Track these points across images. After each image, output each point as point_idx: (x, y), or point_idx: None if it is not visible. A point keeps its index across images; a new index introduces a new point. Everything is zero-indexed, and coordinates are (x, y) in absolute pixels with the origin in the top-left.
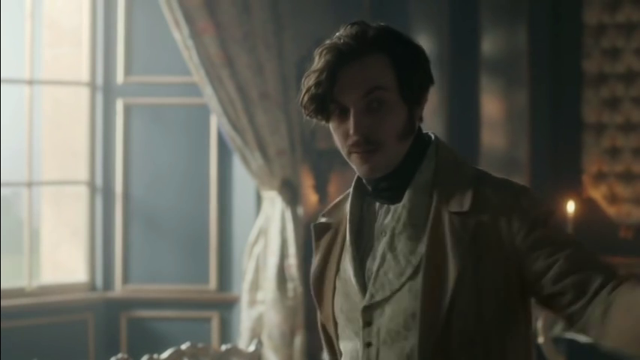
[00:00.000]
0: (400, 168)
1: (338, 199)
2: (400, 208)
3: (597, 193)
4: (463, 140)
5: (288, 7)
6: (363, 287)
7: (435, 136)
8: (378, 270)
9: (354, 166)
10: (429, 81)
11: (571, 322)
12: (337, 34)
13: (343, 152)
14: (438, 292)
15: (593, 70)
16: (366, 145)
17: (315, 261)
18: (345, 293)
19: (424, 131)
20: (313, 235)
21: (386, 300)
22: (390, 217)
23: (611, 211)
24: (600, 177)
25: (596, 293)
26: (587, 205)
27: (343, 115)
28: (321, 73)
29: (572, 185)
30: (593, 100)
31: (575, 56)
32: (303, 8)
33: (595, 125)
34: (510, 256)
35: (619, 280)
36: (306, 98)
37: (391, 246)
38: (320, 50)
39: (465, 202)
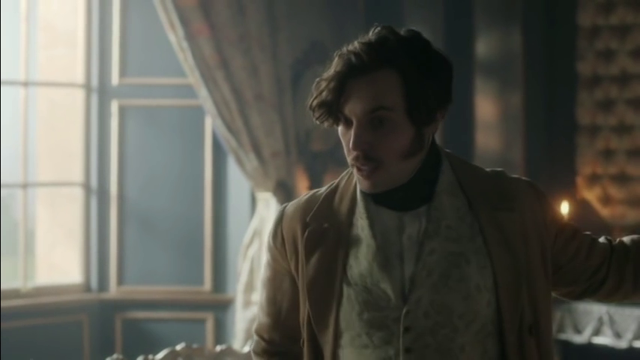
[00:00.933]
0: (417, 178)
1: (316, 199)
2: (432, 210)
3: (591, 195)
4: (457, 142)
5: (283, 9)
6: (400, 293)
7: None
8: (417, 274)
9: (356, 179)
10: (445, 101)
11: (602, 284)
12: (359, 38)
13: (347, 160)
14: (512, 290)
15: (588, 72)
16: (365, 161)
17: (310, 267)
18: (366, 301)
19: None
20: (305, 241)
21: (431, 303)
22: (420, 220)
23: (605, 212)
24: (594, 178)
25: (612, 254)
26: (581, 207)
27: (348, 125)
28: (330, 82)
29: (567, 187)
30: (587, 101)
31: (570, 58)
32: (298, 10)
33: (589, 127)
34: (545, 244)
35: (611, 241)
36: (314, 103)
37: (429, 249)
38: (337, 55)
39: (503, 198)
